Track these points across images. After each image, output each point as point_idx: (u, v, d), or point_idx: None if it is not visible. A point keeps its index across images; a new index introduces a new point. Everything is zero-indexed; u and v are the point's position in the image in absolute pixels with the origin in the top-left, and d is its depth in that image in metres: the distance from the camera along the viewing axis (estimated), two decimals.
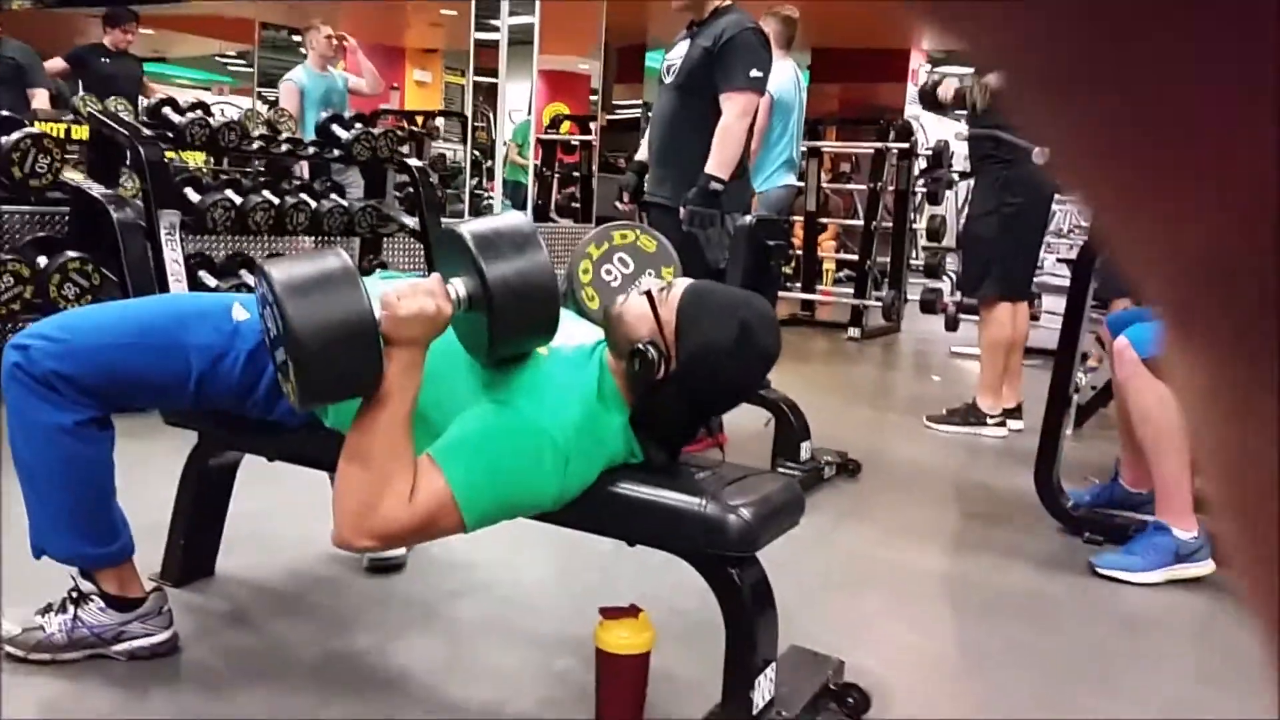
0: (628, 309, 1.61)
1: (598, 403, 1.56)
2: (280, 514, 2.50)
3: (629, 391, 1.58)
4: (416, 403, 1.47)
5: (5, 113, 3.60)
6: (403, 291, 1.43)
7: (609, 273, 1.95)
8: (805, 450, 3.18)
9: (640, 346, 1.54)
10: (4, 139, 3.42)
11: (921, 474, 3.61)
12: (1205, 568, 2.52)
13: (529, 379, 1.55)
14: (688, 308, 1.57)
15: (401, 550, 2.25)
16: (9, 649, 1.71)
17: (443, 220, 4.62)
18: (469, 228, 1.49)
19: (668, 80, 3.26)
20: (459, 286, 1.46)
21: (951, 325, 6.10)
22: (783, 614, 1.56)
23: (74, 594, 1.74)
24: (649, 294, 1.59)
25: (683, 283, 1.63)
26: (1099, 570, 2.56)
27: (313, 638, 1.93)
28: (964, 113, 4.08)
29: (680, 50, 3.26)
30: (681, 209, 3.02)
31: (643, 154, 3.50)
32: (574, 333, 1.69)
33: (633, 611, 1.63)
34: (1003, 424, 4.14)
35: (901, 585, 2.49)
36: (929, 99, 3.95)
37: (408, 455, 1.44)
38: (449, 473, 1.43)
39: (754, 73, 3.09)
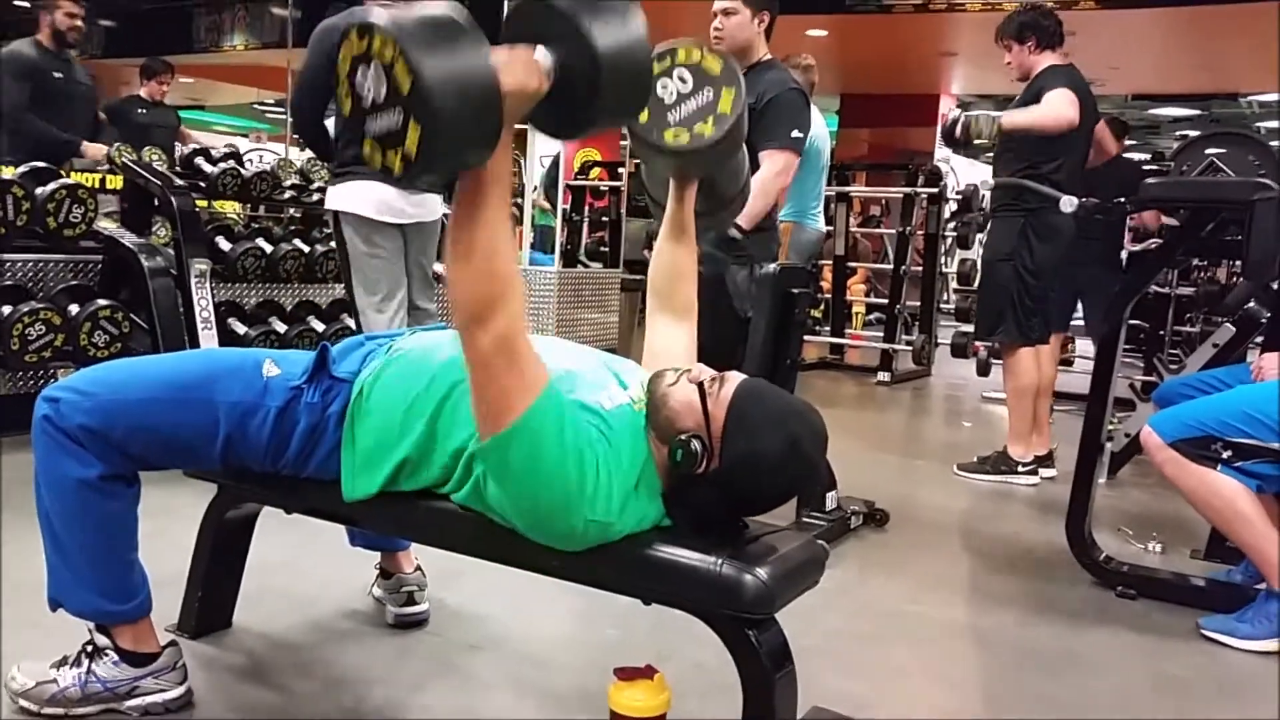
0: (675, 394, 1.55)
1: (634, 493, 1.51)
2: (299, 565, 2.49)
3: (665, 473, 1.54)
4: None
5: (41, 164, 3.68)
6: (500, 64, 1.27)
7: (665, 88, 1.78)
8: (831, 499, 3.13)
9: (683, 438, 1.49)
10: (40, 190, 3.50)
11: (951, 524, 3.55)
12: None
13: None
14: (739, 408, 1.50)
15: (424, 606, 2.23)
16: (23, 703, 1.71)
17: None
18: None
19: None
20: (546, 60, 1.34)
21: (983, 370, 6.04)
22: (804, 671, 1.52)
23: (89, 647, 1.73)
24: (700, 385, 1.53)
25: (736, 379, 1.55)
26: (1204, 632, 2.46)
27: (328, 692, 1.91)
28: (990, 155, 4.04)
29: None
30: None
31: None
32: (611, 389, 1.61)
33: (648, 672, 1.59)
34: (1034, 472, 4.08)
35: (929, 640, 2.43)
36: (949, 137, 3.92)
37: (515, 258, 1.39)
38: (548, 384, 1.41)
39: (795, 133, 3.10)
